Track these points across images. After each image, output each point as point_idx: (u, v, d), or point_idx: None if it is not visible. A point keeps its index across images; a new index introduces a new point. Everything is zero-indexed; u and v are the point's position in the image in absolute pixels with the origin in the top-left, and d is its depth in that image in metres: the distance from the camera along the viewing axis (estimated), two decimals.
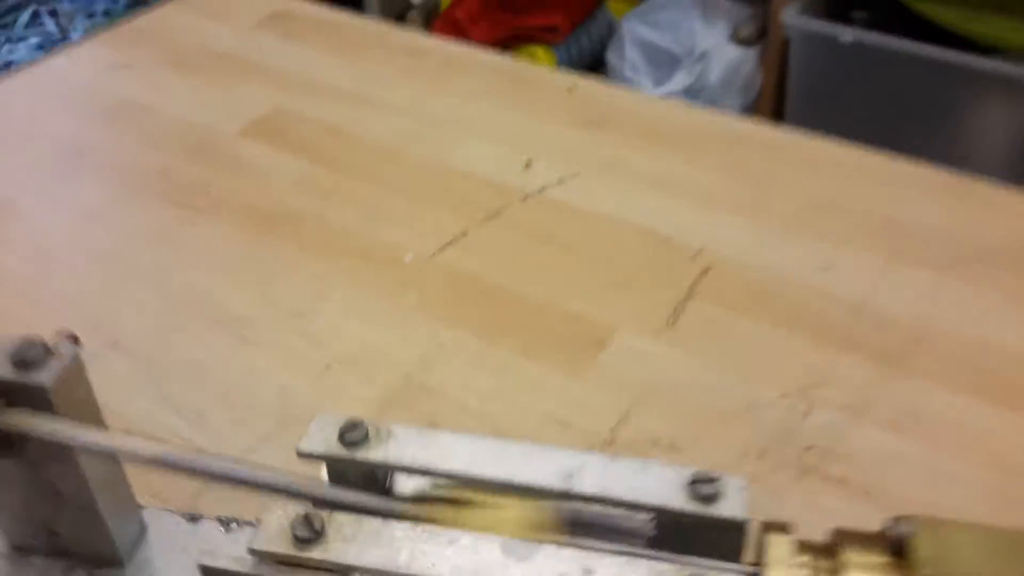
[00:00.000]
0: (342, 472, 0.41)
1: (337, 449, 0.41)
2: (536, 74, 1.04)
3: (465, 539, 0.37)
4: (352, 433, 0.41)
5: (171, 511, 0.54)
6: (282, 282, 0.73)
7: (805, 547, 0.36)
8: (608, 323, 0.68)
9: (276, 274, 0.73)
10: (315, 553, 0.37)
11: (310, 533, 0.37)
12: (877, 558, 0.35)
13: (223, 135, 0.90)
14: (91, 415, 0.46)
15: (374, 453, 0.40)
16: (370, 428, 0.41)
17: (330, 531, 0.37)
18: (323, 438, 0.41)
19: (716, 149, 0.85)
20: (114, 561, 0.51)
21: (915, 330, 0.66)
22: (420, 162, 0.85)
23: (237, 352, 0.67)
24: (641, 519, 0.40)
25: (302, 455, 0.41)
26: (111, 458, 0.49)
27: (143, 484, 0.53)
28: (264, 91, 0.96)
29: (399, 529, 0.37)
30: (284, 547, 0.37)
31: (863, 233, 0.74)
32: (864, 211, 0.76)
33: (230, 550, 0.39)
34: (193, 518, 0.54)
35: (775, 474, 0.57)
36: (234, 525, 0.51)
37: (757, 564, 0.36)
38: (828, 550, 0.36)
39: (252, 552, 0.37)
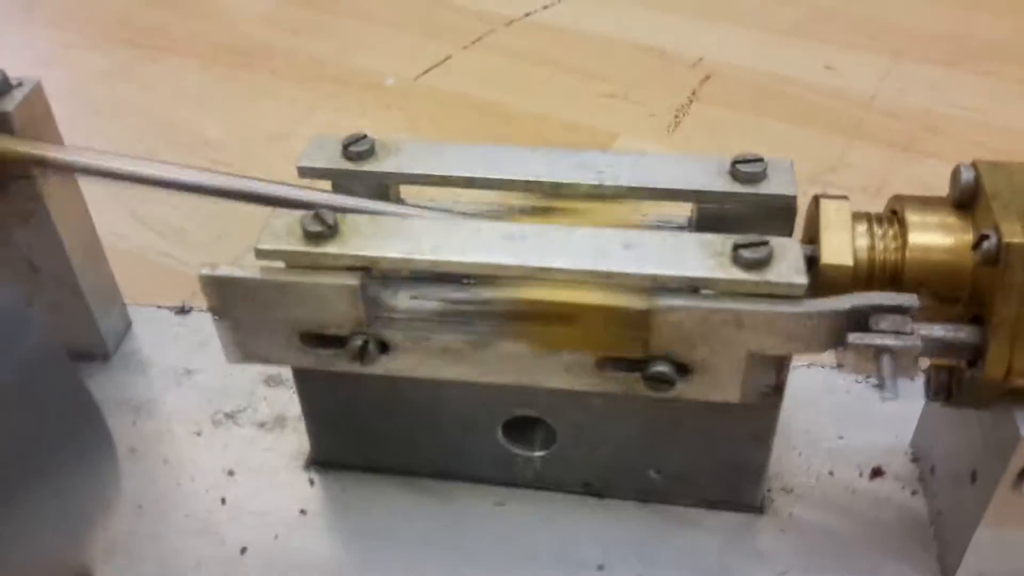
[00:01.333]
0: (348, 191, 0.37)
1: (342, 163, 0.37)
2: None
3: (495, 227, 0.34)
4: (357, 145, 0.37)
5: (158, 306, 0.51)
6: (257, 108, 0.68)
7: (862, 215, 0.33)
8: (608, 130, 0.64)
9: (250, 101, 0.69)
10: (330, 248, 0.33)
11: (323, 228, 0.33)
12: (941, 216, 0.32)
13: None
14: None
15: (383, 165, 0.37)
16: (376, 142, 0.37)
17: (345, 228, 0.34)
18: (324, 154, 0.37)
19: None
20: (99, 353, 0.47)
21: (925, 119, 0.63)
22: None
23: None
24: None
25: (303, 171, 0.37)
26: (79, 195, 0.45)
27: (128, 290, 0.49)
28: None
29: (420, 223, 0.34)
30: (294, 244, 0.33)
31: (868, 37, 0.71)
32: (867, 17, 0.73)
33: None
34: (183, 310, 0.50)
35: None
36: None
37: (812, 241, 0.33)
38: (888, 218, 0.33)
39: (259, 252, 0.33)
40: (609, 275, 0.32)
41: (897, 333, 0.30)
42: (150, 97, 0.70)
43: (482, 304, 0.34)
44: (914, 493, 0.40)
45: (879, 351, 0.30)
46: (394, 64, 0.72)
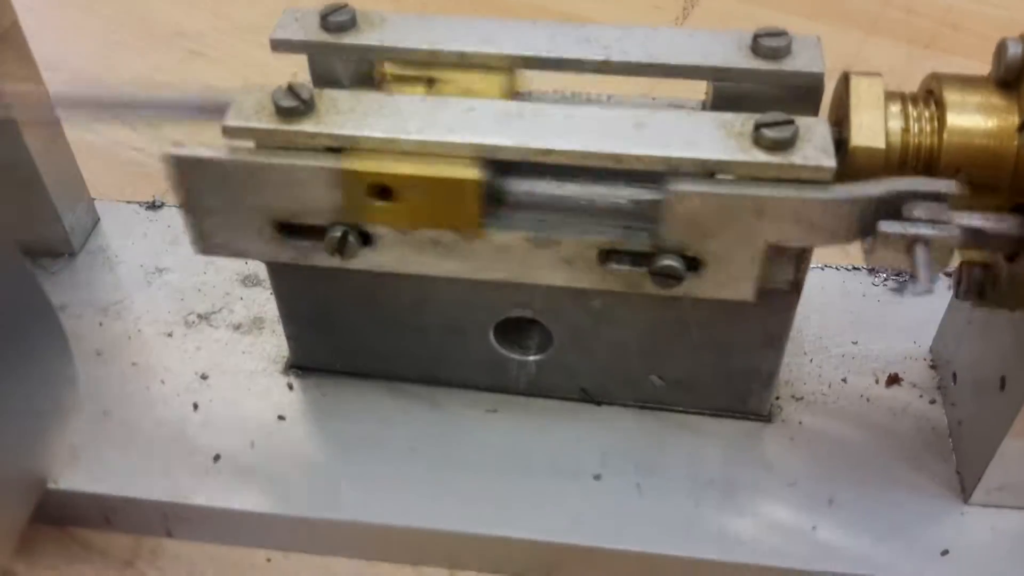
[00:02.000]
0: (328, 69, 0.34)
1: (320, 34, 0.33)
2: None
3: (489, 105, 0.30)
4: (336, 15, 0.33)
5: (128, 201, 0.47)
6: None
7: (896, 95, 0.30)
8: (611, 21, 0.60)
9: None
10: (305, 126, 0.30)
11: (297, 103, 0.30)
12: (983, 95, 0.29)
13: None
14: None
15: (365, 38, 0.33)
16: (358, 13, 0.34)
17: (321, 105, 0.30)
18: (300, 26, 0.33)
19: None
20: (63, 250, 0.44)
21: (946, 16, 0.59)
22: None
23: (189, 65, 0.59)
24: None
25: (277, 44, 0.33)
26: (50, 119, 0.42)
27: (96, 185, 0.46)
28: None
29: (405, 101, 0.31)
30: (265, 121, 0.30)
31: None
32: None
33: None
34: (154, 205, 0.47)
35: None
36: None
37: (838, 124, 0.30)
38: (924, 98, 0.30)
39: (226, 130, 0.30)
40: (617, 158, 0.28)
41: (933, 222, 0.27)
42: None
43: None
44: (933, 402, 0.37)
45: (913, 241, 0.27)
46: None
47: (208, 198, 0.31)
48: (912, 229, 0.27)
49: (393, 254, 0.32)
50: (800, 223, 0.28)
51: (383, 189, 0.30)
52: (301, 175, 0.30)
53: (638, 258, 0.31)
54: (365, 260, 0.32)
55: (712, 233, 0.29)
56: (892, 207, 0.28)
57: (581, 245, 0.31)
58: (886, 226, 0.27)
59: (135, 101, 0.32)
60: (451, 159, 0.29)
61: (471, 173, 0.29)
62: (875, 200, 0.27)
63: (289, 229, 0.32)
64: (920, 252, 0.27)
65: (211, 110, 0.30)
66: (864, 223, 0.28)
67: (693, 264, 0.30)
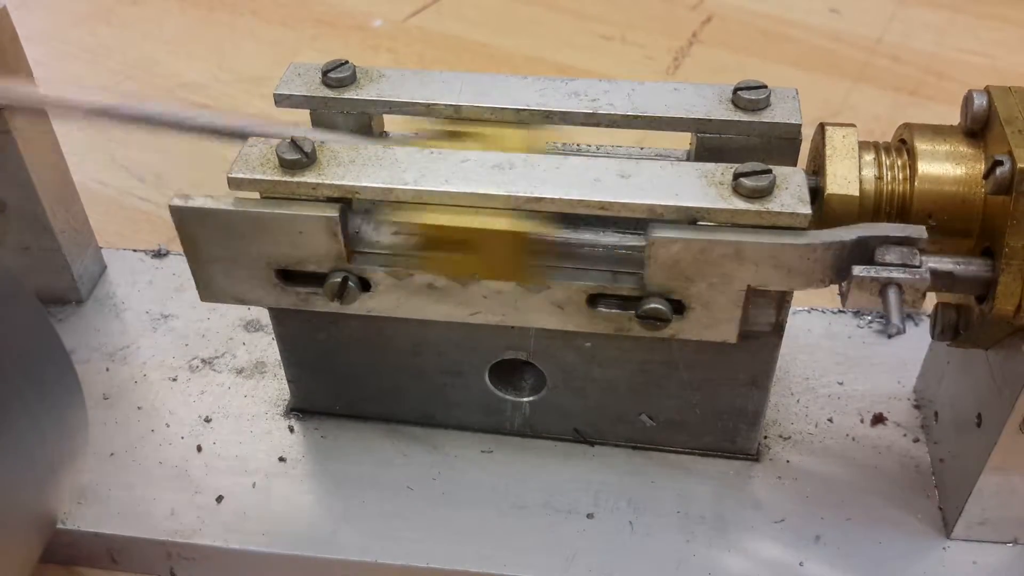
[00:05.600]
0: (329, 122, 0.35)
1: (321, 90, 0.35)
2: None
3: (482, 156, 0.32)
4: (337, 72, 0.35)
5: (134, 249, 0.49)
6: (238, 51, 0.66)
7: (870, 144, 0.32)
8: (603, 73, 0.62)
9: (231, 43, 0.66)
10: (308, 177, 0.31)
11: (300, 155, 0.31)
12: (952, 144, 0.31)
13: None
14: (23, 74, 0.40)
15: (365, 93, 0.35)
16: (357, 69, 0.35)
17: (322, 157, 0.32)
18: (303, 82, 0.35)
19: None
20: (72, 297, 0.45)
21: (931, 64, 0.61)
22: None
23: None
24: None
25: (280, 99, 0.35)
26: (52, 136, 0.43)
27: (103, 234, 0.48)
28: None
29: (402, 152, 0.32)
30: (269, 173, 0.31)
31: None
32: None
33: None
34: (159, 253, 0.48)
35: None
36: None
37: (816, 173, 0.32)
38: (896, 147, 0.32)
39: (231, 182, 0.31)
40: (603, 205, 0.30)
41: (905, 266, 0.28)
42: (128, 40, 0.68)
43: (403, 234, 0.32)
44: (916, 440, 0.38)
45: (885, 284, 0.28)
46: (382, 5, 0.69)
47: (213, 247, 0.33)
48: (884, 273, 0.28)
49: (390, 299, 0.33)
50: (778, 267, 0.29)
51: (451, 241, 0.31)
52: (304, 224, 0.31)
53: (625, 302, 0.32)
54: (364, 305, 0.33)
55: (694, 277, 0.30)
56: (865, 252, 0.29)
57: (571, 289, 0.32)
58: (859, 270, 0.28)
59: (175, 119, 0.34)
60: (504, 212, 0.30)
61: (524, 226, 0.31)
62: (849, 245, 0.29)
63: (291, 276, 0.33)
64: (892, 295, 0.28)
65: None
66: (839, 267, 0.29)
67: (678, 307, 0.31)
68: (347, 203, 0.32)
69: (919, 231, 0.29)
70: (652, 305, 0.31)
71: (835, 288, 0.30)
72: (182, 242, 0.33)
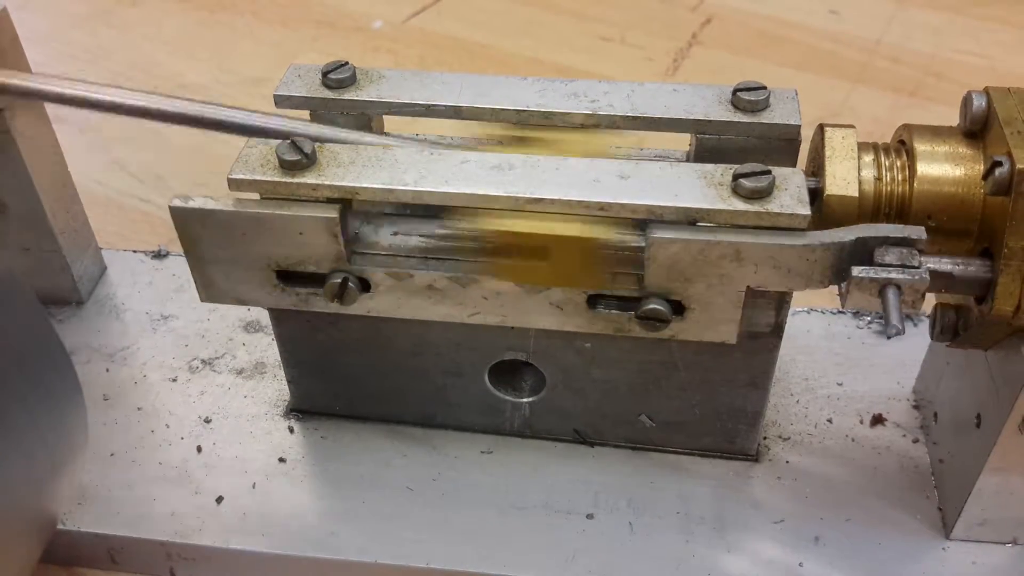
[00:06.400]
0: (329, 122, 0.35)
1: (321, 91, 0.35)
2: None
3: (482, 157, 0.32)
4: (337, 73, 0.35)
5: (134, 250, 0.49)
6: (239, 52, 0.66)
7: (869, 145, 0.32)
8: (603, 74, 0.62)
9: (231, 45, 0.67)
10: (307, 178, 0.31)
11: (300, 156, 0.31)
12: (951, 145, 0.31)
13: None
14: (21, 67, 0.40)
15: (364, 94, 0.35)
16: (357, 70, 0.35)
17: (323, 158, 0.32)
18: (303, 83, 0.35)
19: None
20: (72, 298, 0.46)
21: (931, 65, 0.61)
22: None
23: None
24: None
25: (280, 100, 0.35)
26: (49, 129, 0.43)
27: (103, 235, 0.48)
28: None
29: (402, 153, 0.32)
30: (269, 174, 0.31)
31: None
32: None
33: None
34: (159, 254, 0.48)
35: None
36: None
37: (815, 174, 0.32)
38: (895, 148, 0.32)
39: (231, 183, 0.31)
40: (603, 206, 0.30)
41: (904, 267, 0.28)
42: (128, 41, 0.68)
43: (467, 239, 0.32)
44: (916, 441, 0.38)
45: (884, 285, 0.28)
46: (380, 6, 0.69)
47: (213, 248, 0.33)
48: (883, 274, 0.28)
49: (390, 300, 0.33)
50: (777, 268, 0.29)
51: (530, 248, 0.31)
52: (304, 225, 0.31)
53: (625, 302, 0.32)
54: (364, 306, 0.34)
55: (694, 278, 0.30)
56: (865, 253, 0.29)
57: (570, 290, 0.32)
58: (858, 271, 0.28)
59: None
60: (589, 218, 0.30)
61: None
62: (848, 246, 0.29)
63: (290, 277, 0.33)
64: (891, 295, 0.28)
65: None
66: (838, 268, 0.29)
67: (678, 308, 0.32)
68: (347, 204, 0.32)
69: (918, 232, 0.29)
70: (652, 306, 0.31)
71: (835, 289, 0.30)
72: (182, 243, 0.33)
